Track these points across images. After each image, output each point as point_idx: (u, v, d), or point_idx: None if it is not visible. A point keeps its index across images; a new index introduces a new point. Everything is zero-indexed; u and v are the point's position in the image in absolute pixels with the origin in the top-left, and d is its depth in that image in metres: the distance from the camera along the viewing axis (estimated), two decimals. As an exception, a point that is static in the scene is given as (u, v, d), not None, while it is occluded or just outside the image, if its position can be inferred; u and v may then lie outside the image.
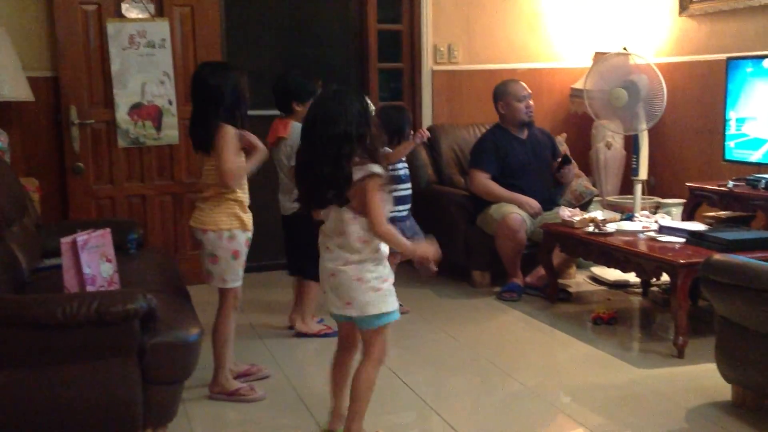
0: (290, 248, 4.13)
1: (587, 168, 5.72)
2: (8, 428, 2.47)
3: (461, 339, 4.01)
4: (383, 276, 2.60)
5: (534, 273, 4.80)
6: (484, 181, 4.85)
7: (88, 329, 2.45)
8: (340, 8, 5.66)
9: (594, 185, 5.63)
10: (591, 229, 4.17)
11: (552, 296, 4.58)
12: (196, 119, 3.17)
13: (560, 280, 4.90)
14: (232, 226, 3.14)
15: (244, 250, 3.21)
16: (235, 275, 3.20)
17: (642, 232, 4.07)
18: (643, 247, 3.84)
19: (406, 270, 5.20)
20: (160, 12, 4.96)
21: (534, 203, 4.74)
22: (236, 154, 3.11)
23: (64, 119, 4.84)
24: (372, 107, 2.69)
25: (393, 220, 4.28)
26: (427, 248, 2.73)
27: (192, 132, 3.20)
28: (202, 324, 2.82)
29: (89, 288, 2.86)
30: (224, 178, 3.07)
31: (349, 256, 2.57)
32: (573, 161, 4.95)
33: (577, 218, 4.34)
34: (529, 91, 4.94)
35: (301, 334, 4.03)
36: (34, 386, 2.46)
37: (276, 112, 4.08)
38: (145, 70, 4.92)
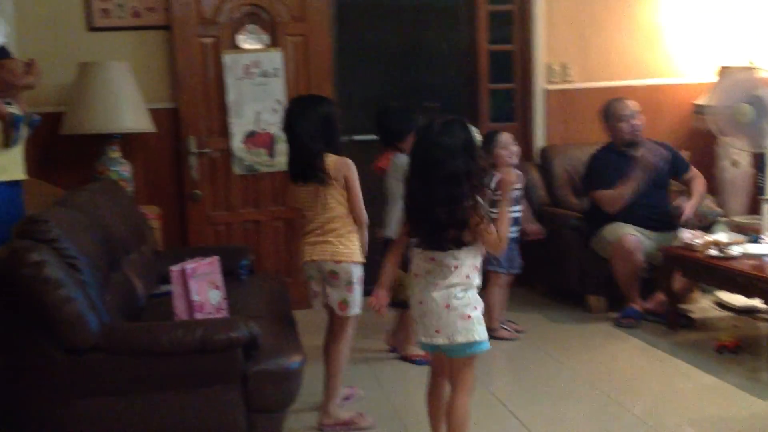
0: None
1: (712, 187, 5.44)
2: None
3: (575, 367, 3.87)
4: (472, 303, 2.55)
5: (653, 298, 4.59)
6: (604, 192, 4.68)
7: (193, 357, 2.51)
8: (449, 30, 5.65)
9: (719, 205, 5.35)
10: (713, 252, 3.95)
11: (673, 323, 4.37)
12: (299, 153, 3.19)
13: (682, 306, 4.67)
14: (360, 258, 3.18)
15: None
16: (358, 302, 3.21)
17: (769, 255, 3.83)
18: (769, 272, 3.61)
19: (518, 292, 5.12)
20: (274, 42, 5.08)
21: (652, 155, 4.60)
22: None
23: (183, 149, 5.01)
24: (478, 138, 2.61)
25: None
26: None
27: (296, 165, 3.22)
28: (305, 351, 2.83)
29: (198, 315, 2.93)
30: (362, 213, 3.14)
31: (437, 282, 2.53)
32: (684, 211, 4.67)
33: (699, 241, 4.13)
34: (635, 109, 4.76)
35: (406, 359, 3.99)
36: (140, 413, 2.54)
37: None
38: (259, 99, 5.04)
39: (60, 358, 2.50)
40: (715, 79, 5.25)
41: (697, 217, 4.89)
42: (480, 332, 2.54)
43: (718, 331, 4.29)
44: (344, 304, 3.15)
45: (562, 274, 5.03)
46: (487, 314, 4.30)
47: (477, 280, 2.58)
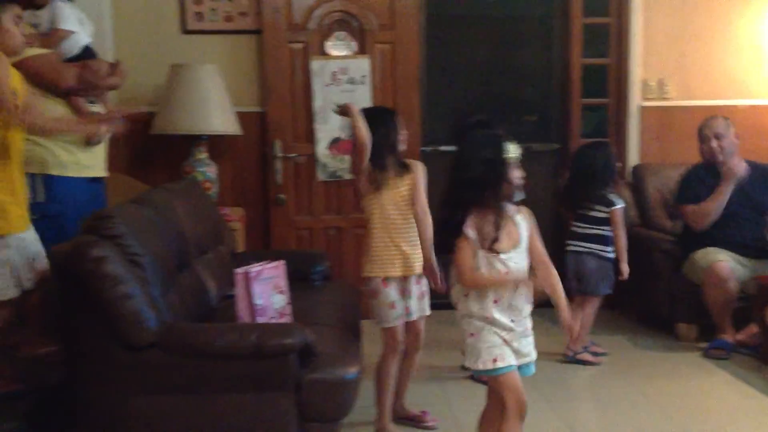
0: None
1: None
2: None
3: (655, 399, 3.67)
4: (468, 330, 2.52)
5: (747, 329, 4.32)
6: (693, 207, 4.47)
7: (246, 361, 2.49)
8: (542, 43, 5.50)
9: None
10: (811, 284, 3.69)
11: (766, 357, 4.10)
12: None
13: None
14: (369, 272, 3.17)
15: (385, 291, 3.14)
16: (380, 316, 3.14)
17: None
18: None
19: (607, 315, 4.93)
20: (362, 49, 5.06)
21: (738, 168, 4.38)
22: None
23: (269, 153, 5.04)
24: (514, 154, 2.51)
25: (603, 259, 4.13)
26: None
27: None
28: (365, 363, 2.77)
29: (259, 319, 2.91)
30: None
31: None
32: None
33: (797, 271, 3.87)
34: (717, 130, 4.50)
35: (478, 379, 3.88)
36: (194, 413, 2.53)
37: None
38: (345, 106, 5.02)
39: (118, 355, 2.52)
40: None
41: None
42: (471, 361, 2.51)
43: (816, 368, 4.01)
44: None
45: (652, 299, 4.81)
46: (577, 335, 4.22)
47: (468, 307, 2.51)
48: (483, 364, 2.49)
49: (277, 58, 5.00)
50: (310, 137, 5.05)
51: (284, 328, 2.58)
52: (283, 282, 3.06)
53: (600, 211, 4.16)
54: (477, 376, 3.84)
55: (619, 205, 4.14)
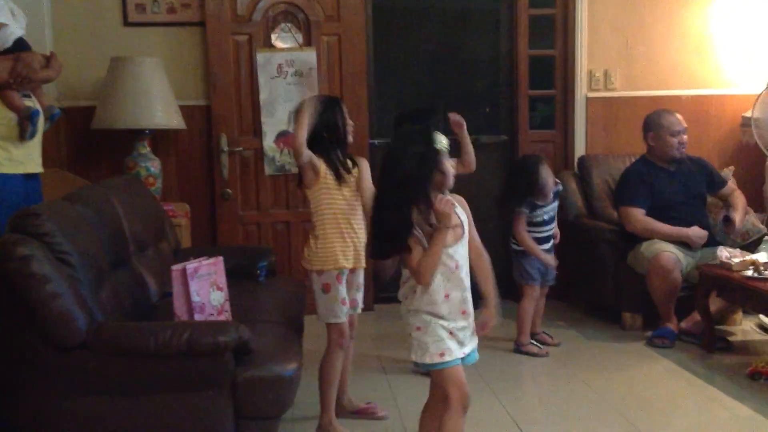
0: None
1: (760, 204, 5.19)
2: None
3: (597, 387, 3.70)
4: (415, 323, 2.49)
5: (690, 318, 4.37)
6: (641, 218, 4.49)
7: (180, 360, 2.44)
8: (489, 35, 5.49)
9: (766, 224, 5.10)
10: (750, 273, 3.74)
11: (708, 345, 4.15)
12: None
13: (723, 327, 4.48)
14: (319, 266, 3.11)
15: (338, 286, 3.10)
16: (331, 311, 3.10)
17: (810, 278, 3.60)
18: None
19: (556, 306, 4.96)
20: (308, 41, 5.01)
21: (700, 233, 4.38)
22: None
23: (214, 147, 4.97)
24: (444, 147, 2.50)
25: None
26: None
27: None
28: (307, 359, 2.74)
29: (197, 316, 2.86)
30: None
31: (404, 296, 2.54)
32: (735, 220, 4.46)
33: (737, 260, 3.92)
34: (685, 125, 4.56)
35: (422, 372, 3.86)
36: (126, 413, 2.48)
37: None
38: (291, 99, 4.92)
39: (48, 356, 2.45)
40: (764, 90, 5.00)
41: (741, 234, 4.67)
42: (420, 355, 2.48)
43: (757, 355, 4.06)
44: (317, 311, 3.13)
45: (598, 290, 4.85)
46: (517, 327, 4.25)
47: (417, 302, 2.49)
48: (430, 358, 2.47)
49: (221, 51, 4.93)
50: (256, 131, 5.00)
51: (218, 326, 2.53)
52: (221, 278, 3.01)
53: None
54: (423, 370, 3.83)
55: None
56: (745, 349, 4.24)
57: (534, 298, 4.30)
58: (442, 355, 2.47)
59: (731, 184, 4.68)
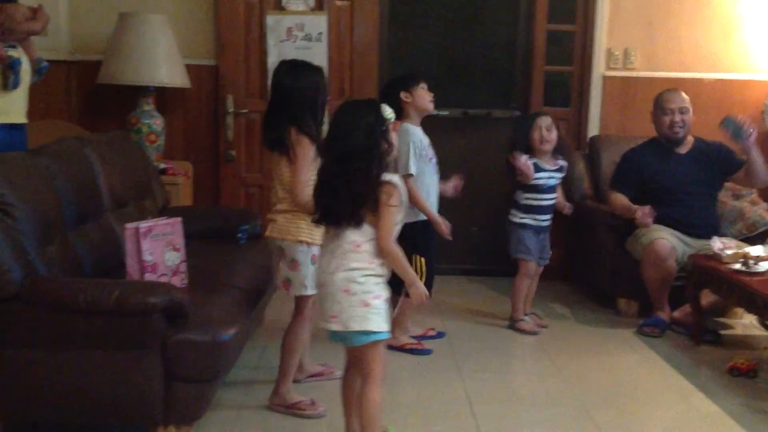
0: None
1: (777, 196, 4.99)
2: (26, 407, 2.54)
3: (567, 373, 3.62)
4: (374, 292, 2.39)
5: (684, 308, 4.24)
6: (617, 200, 4.40)
7: (109, 317, 2.45)
8: (508, 6, 5.34)
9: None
10: (738, 266, 3.60)
11: (696, 337, 4.03)
12: (267, 119, 3.05)
13: (723, 320, 4.36)
14: (306, 238, 2.97)
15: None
16: (311, 282, 3.06)
17: (799, 276, 3.45)
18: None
19: (557, 286, 4.88)
20: (320, 5, 4.97)
21: (644, 217, 4.18)
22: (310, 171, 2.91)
23: (220, 107, 4.98)
24: (391, 118, 2.45)
25: (537, 230, 4.07)
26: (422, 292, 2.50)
27: (264, 131, 3.09)
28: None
29: (149, 276, 2.88)
30: (298, 197, 2.89)
31: (339, 263, 2.40)
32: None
33: (730, 252, 3.78)
34: (684, 104, 4.38)
35: (390, 347, 3.83)
36: (57, 368, 2.51)
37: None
38: (299, 63, 4.93)
39: (-20, 305, 2.48)
40: (789, 77, 4.78)
41: (746, 225, 4.50)
42: (377, 323, 2.38)
43: (748, 351, 3.93)
44: (288, 282, 3.02)
45: (596, 273, 4.75)
46: (511, 304, 4.19)
47: (383, 269, 2.41)
48: (380, 326, 2.42)
49: (232, 11, 4.92)
50: (263, 94, 4.98)
51: (149, 286, 2.54)
52: (178, 239, 3.01)
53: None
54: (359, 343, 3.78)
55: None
56: (736, 343, 4.09)
57: (528, 276, 4.21)
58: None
59: None
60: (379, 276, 2.40)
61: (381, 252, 2.37)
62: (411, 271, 2.47)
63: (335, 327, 2.40)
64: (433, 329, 4.13)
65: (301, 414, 3.03)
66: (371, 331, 2.38)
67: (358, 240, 2.37)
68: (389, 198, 2.33)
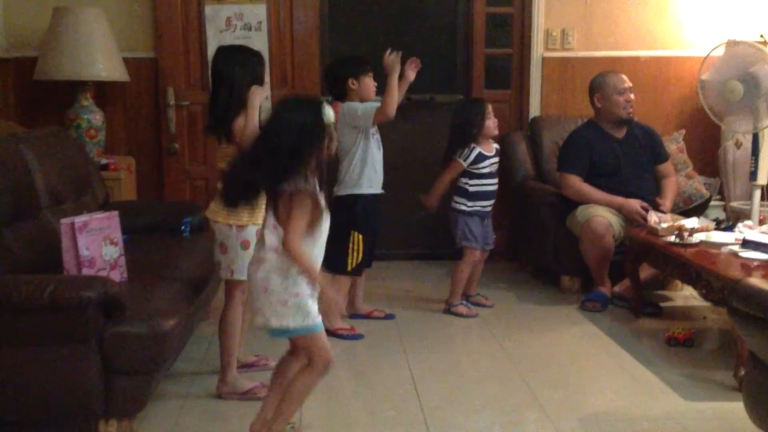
0: None
1: (714, 169, 5.12)
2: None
3: (510, 349, 3.69)
4: (292, 290, 2.40)
5: (624, 282, 4.34)
6: (575, 183, 4.43)
7: (44, 313, 2.44)
8: (446, -10, 5.38)
9: (721, 188, 5.04)
10: (672, 238, 3.69)
11: (636, 310, 4.13)
12: (211, 105, 3.07)
13: (664, 293, 4.45)
14: (238, 221, 2.99)
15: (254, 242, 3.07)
16: (243, 267, 3.08)
17: (729, 245, 3.54)
18: (710, 263, 3.32)
19: (503, 267, 4.95)
20: (258, -6, 4.95)
21: (633, 208, 4.27)
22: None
23: (161, 100, 4.95)
24: (330, 119, 2.43)
25: (479, 216, 4.12)
26: (335, 297, 2.59)
27: (209, 117, 3.09)
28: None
29: (86, 270, 2.87)
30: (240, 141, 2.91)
31: (259, 262, 2.42)
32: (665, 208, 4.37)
33: (664, 225, 3.87)
34: (630, 84, 4.46)
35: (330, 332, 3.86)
36: (-4, 365, 2.49)
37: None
38: (239, 53, 4.91)
39: None
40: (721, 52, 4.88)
41: (684, 199, 4.61)
42: (296, 319, 2.39)
43: (687, 321, 4.04)
44: (218, 265, 3.06)
45: (539, 252, 4.83)
46: (450, 289, 4.24)
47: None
48: (313, 320, 2.45)
49: (169, 2, 4.91)
50: (204, 85, 4.96)
51: (83, 281, 2.54)
52: (116, 233, 3.00)
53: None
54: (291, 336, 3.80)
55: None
56: (675, 315, 4.21)
57: (472, 263, 4.26)
58: (319, 317, 2.46)
59: (670, 165, 4.57)
60: (298, 274, 2.40)
61: (286, 252, 2.35)
62: (314, 270, 2.42)
63: (259, 321, 2.44)
64: (382, 310, 4.16)
65: (257, 398, 3.02)
66: (289, 328, 2.40)
67: (275, 243, 2.39)
68: (300, 207, 2.33)
